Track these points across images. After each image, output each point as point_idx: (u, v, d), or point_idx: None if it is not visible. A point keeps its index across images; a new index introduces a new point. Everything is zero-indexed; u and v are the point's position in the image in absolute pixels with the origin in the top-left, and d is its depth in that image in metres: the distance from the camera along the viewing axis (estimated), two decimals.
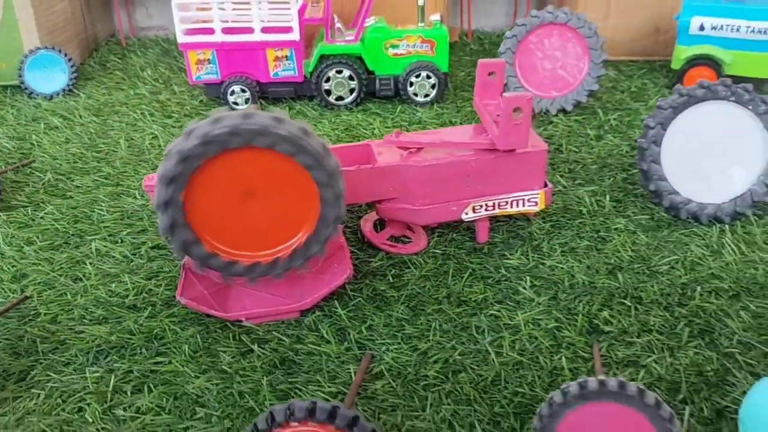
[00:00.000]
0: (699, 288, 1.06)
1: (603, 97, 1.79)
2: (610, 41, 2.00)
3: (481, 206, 1.15)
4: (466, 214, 1.15)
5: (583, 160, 1.47)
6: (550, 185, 1.17)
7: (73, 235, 1.26)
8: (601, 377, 0.71)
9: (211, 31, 1.69)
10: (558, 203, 1.31)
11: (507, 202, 1.15)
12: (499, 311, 1.03)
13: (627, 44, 2.03)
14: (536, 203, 1.16)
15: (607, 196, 1.32)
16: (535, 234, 1.21)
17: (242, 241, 0.96)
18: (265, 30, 1.69)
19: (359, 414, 0.67)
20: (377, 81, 1.77)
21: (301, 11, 1.73)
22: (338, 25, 1.75)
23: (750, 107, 1.20)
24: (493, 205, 1.15)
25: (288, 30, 1.69)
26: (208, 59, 1.71)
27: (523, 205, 1.16)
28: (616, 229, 1.22)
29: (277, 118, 0.88)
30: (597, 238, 1.20)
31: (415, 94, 1.77)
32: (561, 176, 1.40)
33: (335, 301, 1.05)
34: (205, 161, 0.89)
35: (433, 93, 1.77)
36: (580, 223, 1.24)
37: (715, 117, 1.22)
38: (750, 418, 0.76)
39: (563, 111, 1.69)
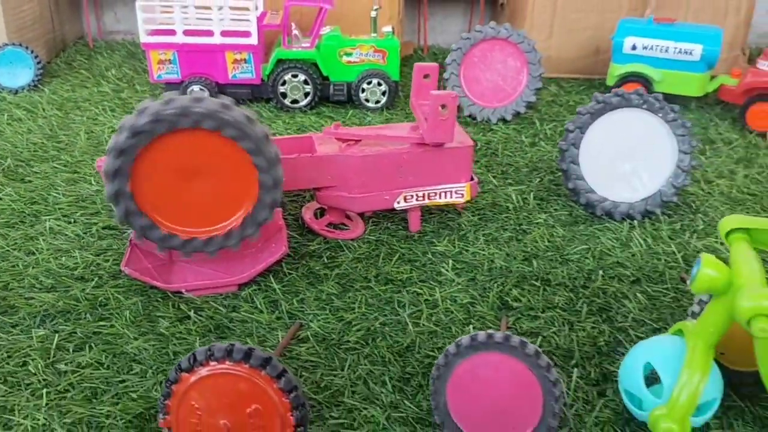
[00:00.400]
0: (602, 273, 1.17)
1: (542, 109, 1.91)
2: (554, 59, 2.13)
3: (412, 196, 1.24)
4: (398, 203, 1.24)
5: (516, 163, 1.58)
6: (476, 179, 1.27)
7: (28, 215, 1.32)
8: (490, 332, 0.80)
9: (172, 33, 1.78)
10: (487, 199, 1.41)
11: (436, 193, 1.25)
12: (421, 289, 1.13)
13: (569, 63, 2.17)
14: (462, 195, 1.26)
15: (532, 195, 1.43)
16: (463, 225, 1.31)
17: (182, 216, 1.04)
18: (224, 33, 1.78)
19: (273, 356, 0.75)
20: (331, 86, 1.87)
21: (261, 18, 1.83)
22: (295, 32, 1.85)
23: (660, 115, 1.32)
24: (423, 196, 1.25)
25: (247, 34, 1.78)
26: (170, 59, 1.80)
27: (451, 197, 1.26)
28: (537, 223, 1.33)
29: (224, 105, 0.97)
30: (519, 230, 1.31)
31: (367, 100, 1.88)
32: (493, 177, 1.51)
33: (271, 277, 1.14)
34: (154, 138, 0.97)
35: (384, 99, 1.88)
36: (505, 217, 1.35)
37: (629, 123, 1.34)
38: (623, 375, 0.86)
39: (503, 120, 1.81)
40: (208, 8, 1.78)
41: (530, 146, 1.67)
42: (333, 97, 1.88)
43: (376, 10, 1.83)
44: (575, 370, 0.95)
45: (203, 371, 0.75)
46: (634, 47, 1.88)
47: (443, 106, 1.15)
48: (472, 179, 1.27)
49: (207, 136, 0.99)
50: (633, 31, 1.88)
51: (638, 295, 1.11)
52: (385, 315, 1.07)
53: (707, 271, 0.78)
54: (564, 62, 2.16)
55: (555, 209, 1.38)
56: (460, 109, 1.82)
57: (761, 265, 0.78)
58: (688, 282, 0.80)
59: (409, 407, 0.89)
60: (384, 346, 1.00)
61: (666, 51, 1.85)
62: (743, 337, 0.83)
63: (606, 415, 0.89)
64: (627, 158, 1.35)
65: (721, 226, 0.85)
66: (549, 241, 1.27)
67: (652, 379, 0.84)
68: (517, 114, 1.81)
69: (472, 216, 1.35)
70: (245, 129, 0.99)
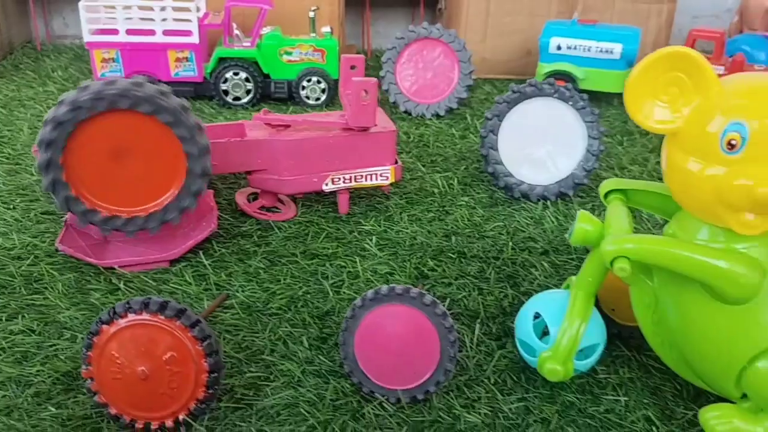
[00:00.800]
0: (512, 245, 1.26)
1: (475, 106, 2.01)
2: (488, 61, 2.24)
3: (340, 178, 1.32)
4: (327, 185, 1.32)
5: (445, 153, 1.67)
6: (400, 163, 1.35)
7: None
8: (392, 285, 0.88)
9: (115, 32, 1.83)
10: (415, 185, 1.50)
11: (362, 176, 1.33)
12: (345, 262, 1.20)
13: (502, 64, 2.28)
14: (387, 177, 1.34)
15: (457, 180, 1.52)
16: (390, 207, 1.39)
17: (120, 197, 1.10)
18: (166, 33, 1.84)
19: (187, 308, 0.82)
20: (272, 84, 1.94)
21: (203, 18, 1.89)
22: (237, 32, 1.92)
23: (570, 103, 1.43)
24: (350, 178, 1.33)
25: (188, 33, 1.85)
26: (113, 58, 1.85)
27: (377, 179, 1.34)
28: (460, 205, 1.42)
29: (136, 83, 1.03)
30: (442, 211, 1.39)
31: (307, 97, 1.95)
32: (423, 165, 1.60)
33: (202, 254, 1.20)
34: (92, 114, 1.03)
35: (324, 97, 1.95)
36: (430, 200, 1.43)
37: (543, 111, 1.44)
38: (517, 325, 0.95)
39: (437, 115, 1.90)
40: (151, 8, 1.84)
41: (460, 138, 1.76)
42: (274, 95, 1.95)
43: (314, 10, 1.91)
44: (477, 326, 1.03)
45: (122, 323, 0.81)
46: (559, 47, 2.00)
47: (365, 92, 1.23)
48: (396, 163, 1.35)
49: (127, 115, 1.04)
50: (558, 32, 2.00)
51: (545, 264, 1.21)
52: (309, 285, 1.13)
53: (582, 225, 0.88)
54: (498, 64, 2.27)
55: (477, 193, 1.47)
56: (396, 105, 1.91)
57: (631, 219, 0.88)
58: (567, 236, 0.90)
59: (324, 361, 0.96)
60: (305, 311, 1.06)
61: (589, 50, 1.97)
62: (630, 295, 0.92)
63: (504, 363, 0.97)
64: (542, 144, 1.45)
65: (601, 188, 0.94)
66: (469, 220, 1.35)
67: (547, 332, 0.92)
68: (450, 110, 1.91)
69: (400, 200, 1.43)
70: (160, 102, 1.04)
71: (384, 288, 0.87)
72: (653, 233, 1.29)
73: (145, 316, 0.80)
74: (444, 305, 1.05)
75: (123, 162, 1.08)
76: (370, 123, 1.26)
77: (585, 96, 1.42)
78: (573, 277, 0.95)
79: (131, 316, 0.81)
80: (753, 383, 0.79)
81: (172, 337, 0.80)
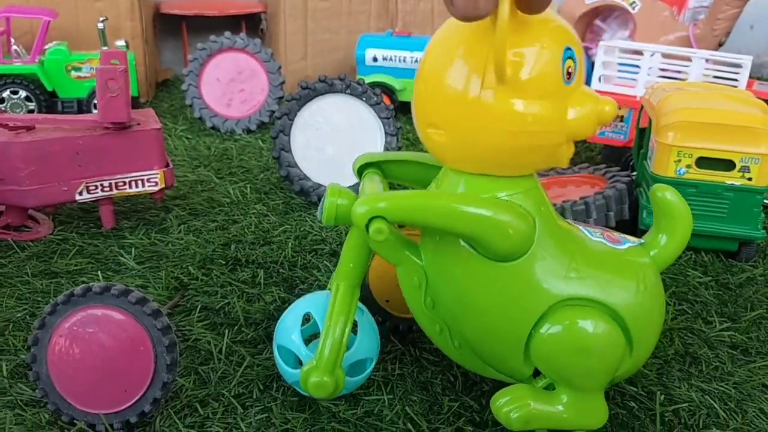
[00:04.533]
0: (298, 247, 1.12)
1: None
2: (310, 78, 2.15)
3: (96, 186, 1.14)
4: (80, 194, 1.13)
5: (248, 165, 1.53)
6: (171, 166, 1.19)
7: None
8: (88, 285, 0.71)
9: None
10: (203, 196, 1.34)
11: (125, 183, 1.15)
12: (90, 279, 1.01)
13: None
14: (156, 183, 1.17)
15: (251, 189, 1.37)
16: (168, 220, 1.22)
17: None
18: None
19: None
20: (60, 103, 1.74)
21: None
22: (15, 47, 1.71)
23: (364, 99, 1.33)
24: (110, 186, 1.14)
25: None
26: None
27: (143, 186, 1.17)
28: (252, 213, 1.27)
29: None
30: (229, 221, 1.24)
31: None
32: (219, 177, 1.44)
33: None
34: None
35: None
36: (218, 210, 1.28)
37: (337, 108, 1.34)
38: (278, 330, 0.78)
39: (248, 130, 1.77)
40: None
41: (268, 151, 1.63)
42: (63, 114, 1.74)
43: (102, 21, 1.73)
44: (227, 332, 0.88)
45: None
46: (375, 59, 1.94)
47: (112, 82, 1.07)
48: (167, 166, 1.19)
49: None
50: (372, 43, 1.94)
51: (329, 264, 1.08)
52: (36, 307, 0.93)
53: (333, 199, 0.73)
54: None
55: (272, 199, 1.33)
56: (201, 120, 1.76)
57: (387, 186, 0.76)
58: (318, 215, 0.75)
59: (24, 390, 0.76)
60: (19, 336, 0.86)
61: (404, 61, 1.92)
62: None
63: (255, 372, 0.81)
64: (339, 143, 1.34)
65: (354, 165, 0.82)
66: (257, 227, 1.21)
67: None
68: (262, 123, 1.78)
69: (182, 211, 1.26)
70: None
71: (79, 288, 0.70)
72: None
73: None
74: (204, 316, 0.90)
75: None
76: (122, 117, 1.10)
77: (378, 91, 1.34)
78: None
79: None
80: (541, 352, 0.69)
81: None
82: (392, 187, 0.79)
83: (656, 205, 0.73)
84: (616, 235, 0.74)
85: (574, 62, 0.64)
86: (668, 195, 0.72)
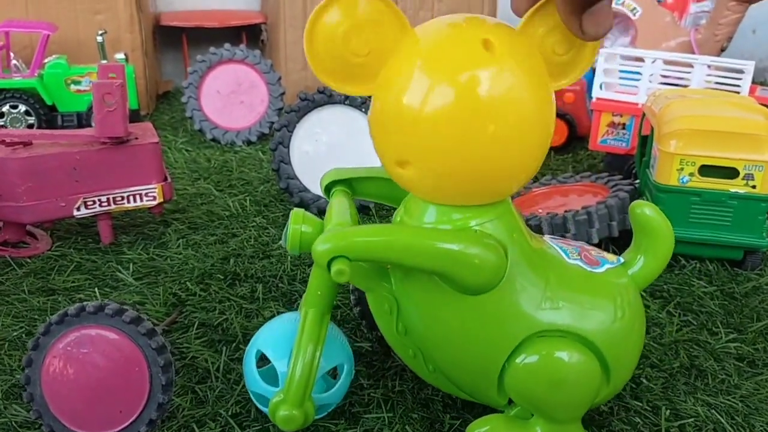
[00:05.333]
0: (297, 261, 1.11)
1: None
2: (311, 89, 2.14)
3: (94, 202, 1.13)
4: (78, 210, 1.12)
5: (248, 177, 1.52)
6: (170, 179, 1.18)
7: None
8: (82, 304, 0.70)
9: None
10: (203, 209, 1.33)
11: (123, 197, 1.15)
12: (87, 295, 1.00)
13: None
14: (154, 197, 1.16)
15: (249, 200, 1.36)
16: (167, 234, 1.21)
17: None
18: None
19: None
20: (59, 117, 1.74)
21: None
22: (14, 62, 1.71)
23: (362, 109, 1.33)
24: (108, 201, 1.14)
25: None
26: None
27: (141, 200, 1.16)
28: (251, 226, 1.26)
29: None
30: (229, 234, 1.23)
31: None
32: (219, 190, 1.44)
33: None
34: None
35: None
36: (218, 224, 1.27)
37: (336, 119, 1.33)
38: (246, 375, 0.75)
39: (248, 141, 1.76)
40: None
41: (268, 162, 1.62)
42: (63, 128, 1.73)
43: (101, 34, 1.73)
44: (224, 350, 0.86)
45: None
46: None
47: (108, 96, 1.07)
48: (165, 180, 1.18)
49: None
50: None
51: None
52: (33, 325, 0.93)
53: (296, 227, 0.70)
54: None
55: (272, 212, 1.32)
56: (202, 132, 1.75)
57: (354, 212, 0.72)
58: (282, 242, 0.72)
59: (18, 412, 0.75)
60: (15, 355, 0.86)
61: None
62: None
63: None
64: (339, 154, 1.33)
65: (321, 182, 0.79)
66: (256, 241, 1.20)
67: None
68: (262, 135, 1.77)
69: (181, 225, 1.26)
70: None
71: (73, 308, 0.69)
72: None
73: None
74: (201, 332, 0.89)
75: None
76: (119, 132, 1.09)
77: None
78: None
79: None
80: (515, 384, 0.67)
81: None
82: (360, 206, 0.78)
83: (636, 222, 0.71)
84: (594, 254, 0.71)
85: None
86: (647, 211, 0.70)
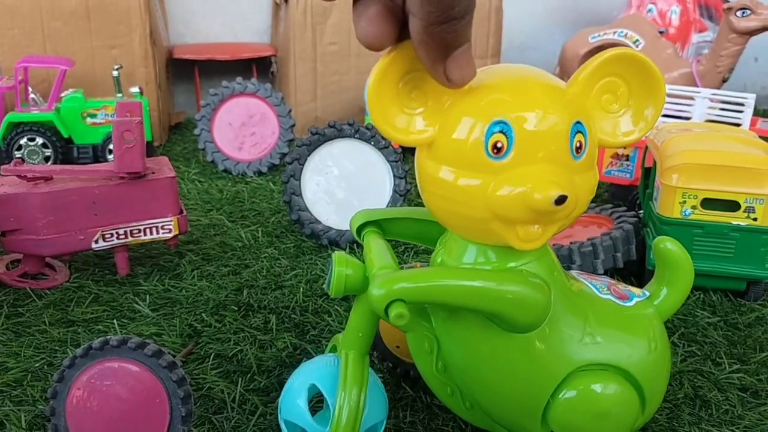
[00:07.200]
0: (309, 292, 1.14)
1: None
2: (321, 120, 2.19)
3: (112, 235, 1.16)
4: (96, 242, 1.16)
5: (259, 208, 1.55)
6: (185, 212, 1.22)
7: None
8: (106, 338, 0.72)
9: None
10: (216, 240, 1.36)
11: (140, 230, 1.18)
12: (106, 327, 1.03)
13: None
14: (170, 230, 1.20)
15: (264, 232, 1.40)
16: (182, 266, 1.24)
17: None
18: None
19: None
20: (75, 149, 1.78)
21: None
22: (32, 96, 1.76)
23: (372, 143, 1.36)
24: (125, 234, 1.17)
25: None
26: None
27: (157, 233, 1.19)
28: (263, 257, 1.29)
29: None
30: (241, 265, 1.26)
31: None
32: (231, 221, 1.47)
33: None
34: None
35: None
36: (231, 254, 1.30)
37: (346, 153, 1.36)
38: (283, 404, 0.75)
39: (259, 172, 1.80)
40: None
41: (279, 193, 1.66)
42: (78, 160, 1.78)
43: (117, 69, 1.79)
44: (240, 381, 0.89)
45: None
46: None
47: (128, 133, 1.11)
48: (181, 213, 1.21)
49: None
50: None
51: (339, 309, 1.09)
52: (54, 357, 0.95)
53: (341, 269, 0.71)
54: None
55: (283, 243, 1.36)
56: (214, 164, 1.79)
57: (392, 253, 0.74)
58: (325, 287, 0.75)
59: None
60: (38, 386, 0.88)
61: None
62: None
63: (267, 421, 0.82)
64: (348, 187, 1.36)
65: (351, 223, 0.81)
66: (268, 272, 1.23)
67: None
68: (273, 166, 1.81)
69: (195, 256, 1.29)
70: None
71: (97, 342, 0.72)
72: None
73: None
74: (217, 364, 0.92)
75: None
76: (137, 168, 1.13)
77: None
78: (339, 335, 0.80)
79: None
80: (560, 418, 0.69)
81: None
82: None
83: (658, 257, 0.74)
84: (622, 288, 0.74)
85: (508, 137, 0.59)
86: (669, 245, 0.73)
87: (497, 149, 0.59)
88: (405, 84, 0.60)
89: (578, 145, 0.60)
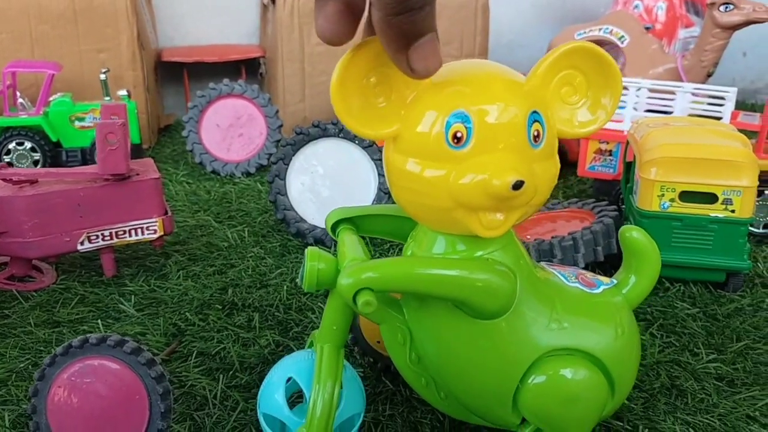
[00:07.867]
0: (293, 290, 1.15)
1: None
2: (309, 120, 2.20)
3: (97, 236, 1.17)
4: (82, 244, 1.17)
5: (247, 208, 1.56)
6: (170, 213, 1.23)
7: None
8: (86, 336, 0.73)
9: None
10: (202, 240, 1.37)
11: (125, 231, 1.19)
12: (91, 327, 1.04)
13: None
14: (155, 231, 1.21)
15: (247, 231, 1.41)
16: (168, 266, 1.26)
17: None
18: None
19: None
20: (64, 153, 1.79)
21: None
22: (21, 100, 1.77)
23: (356, 142, 1.37)
24: (111, 235, 1.18)
25: None
26: None
27: (142, 234, 1.20)
28: (249, 257, 1.30)
29: None
30: (227, 265, 1.27)
31: None
32: (218, 222, 1.48)
33: None
34: None
35: None
36: (217, 255, 1.31)
37: (331, 152, 1.38)
38: (261, 397, 0.76)
39: (247, 173, 1.81)
40: None
41: (267, 194, 1.67)
42: (67, 164, 1.79)
43: (104, 72, 1.80)
44: (221, 377, 0.90)
45: None
46: None
47: (110, 135, 1.12)
48: (166, 213, 1.22)
49: None
50: None
51: (322, 306, 1.10)
52: (39, 357, 0.96)
53: (313, 264, 0.72)
54: None
55: (269, 242, 1.37)
56: (202, 165, 1.80)
57: (365, 247, 0.75)
58: (298, 281, 0.76)
59: None
60: (21, 386, 0.89)
61: None
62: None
63: (248, 417, 0.83)
64: (333, 185, 1.38)
65: (326, 221, 0.83)
66: (254, 271, 1.24)
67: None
68: (260, 166, 1.82)
69: (181, 257, 1.30)
70: None
71: (77, 340, 0.73)
72: None
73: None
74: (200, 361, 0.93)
75: None
76: (121, 169, 1.14)
77: None
78: (316, 332, 0.80)
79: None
80: (529, 403, 0.70)
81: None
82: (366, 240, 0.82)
83: (625, 246, 0.76)
84: (590, 276, 0.76)
85: (467, 128, 0.60)
86: (635, 234, 0.74)
87: (457, 139, 0.61)
88: (370, 79, 0.62)
89: (536, 133, 0.62)
